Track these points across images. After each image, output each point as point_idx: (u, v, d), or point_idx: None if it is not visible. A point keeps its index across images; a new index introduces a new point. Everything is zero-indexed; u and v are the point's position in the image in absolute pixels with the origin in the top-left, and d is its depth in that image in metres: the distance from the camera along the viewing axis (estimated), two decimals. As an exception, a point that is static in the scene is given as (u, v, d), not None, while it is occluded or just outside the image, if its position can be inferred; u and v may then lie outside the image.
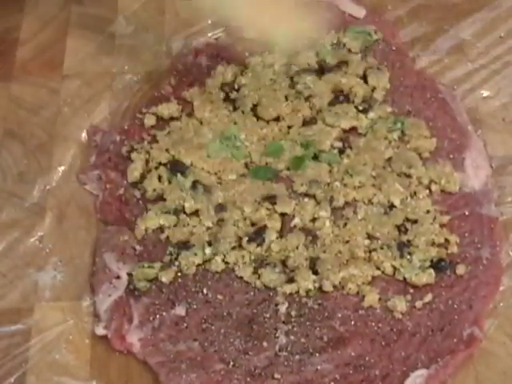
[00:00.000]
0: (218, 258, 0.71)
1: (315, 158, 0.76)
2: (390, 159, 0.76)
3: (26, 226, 0.75)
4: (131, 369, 0.67)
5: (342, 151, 0.77)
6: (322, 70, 0.82)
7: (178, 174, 0.75)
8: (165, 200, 0.74)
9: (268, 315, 0.69)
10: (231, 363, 0.67)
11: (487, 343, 0.66)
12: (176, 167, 0.75)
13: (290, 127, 0.78)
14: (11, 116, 0.82)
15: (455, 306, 0.68)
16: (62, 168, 0.78)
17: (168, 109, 0.80)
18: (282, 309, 0.69)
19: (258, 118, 0.79)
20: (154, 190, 0.75)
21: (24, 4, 0.92)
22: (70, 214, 0.76)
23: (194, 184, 0.74)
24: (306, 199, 0.73)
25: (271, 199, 0.73)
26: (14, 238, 0.74)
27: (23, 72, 0.86)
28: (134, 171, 0.76)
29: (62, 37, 0.88)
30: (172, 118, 0.80)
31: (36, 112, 0.82)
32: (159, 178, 0.76)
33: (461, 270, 0.69)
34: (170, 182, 0.75)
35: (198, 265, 0.71)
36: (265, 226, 0.72)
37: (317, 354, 0.67)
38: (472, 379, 0.64)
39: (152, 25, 0.88)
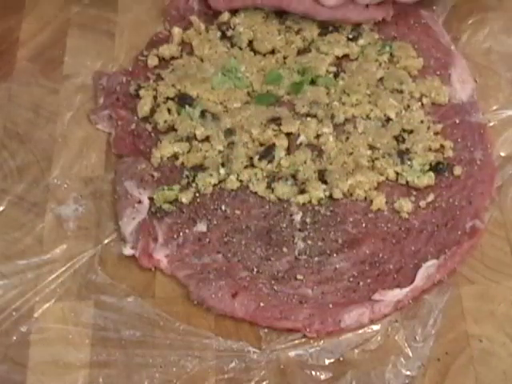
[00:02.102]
0: (233, 177, 0.75)
1: (312, 83, 0.82)
2: (381, 79, 0.81)
3: (26, 226, 0.76)
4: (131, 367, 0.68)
5: (336, 75, 0.82)
6: None
7: (187, 106, 0.80)
8: (176, 130, 0.79)
9: (284, 225, 0.74)
10: (255, 270, 0.71)
11: (487, 343, 0.67)
12: (184, 100, 0.80)
13: (285, 58, 0.84)
14: (11, 115, 0.83)
15: (456, 203, 0.74)
16: (61, 170, 0.80)
17: (169, 49, 0.84)
18: (297, 218, 0.74)
19: (255, 52, 0.84)
20: (165, 121, 0.79)
21: (24, 4, 0.92)
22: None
23: (203, 113, 0.79)
24: (309, 118, 0.79)
25: (276, 121, 0.78)
26: (14, 237, 0.75)
27: (23, 72, 0.86)
28: (144, 106, 0.80)
29: (62, 37, 0.89)
30: (173, 58, 0.84)
31: (36, 112, 0.83)
32: (168, 111, 0.80)
33: (458, 170, 0.76)
34: (179, 114, 0.80)
35: (214, 184, 0.76)
36: (273, 145, 0.77)
37: (334, 255, 0.72)
38: (472, 379, 0.66)
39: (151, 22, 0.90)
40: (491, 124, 0.80)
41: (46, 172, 0.79)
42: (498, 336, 0.68)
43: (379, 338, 0.69)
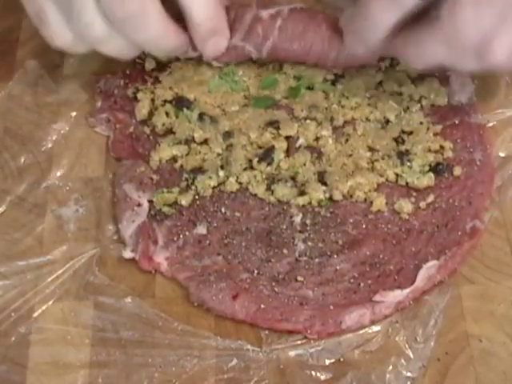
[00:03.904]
0: (232, 179, 0.77)
1: (310, 89, 0.83)
2: (381, 82, 0.83)
3: (27, 227, 0.77)
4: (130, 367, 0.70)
5: (334, 82, 0.83)
6: None
7: (184, 109, 0.81)
8: (174, 133, 0.81)
9: (284, 226, 0.75)
10: (255, 271, 0.73)
11: (487, 343, 0.69)
12: (181, 103, 0.82)
13: (281, 65, 0.85)
14: (11, 116, 0.84)
15: (456, 203, 0.76)
16: (62, 171, 0.81)
17: (166, 52, 0.86)
18: (297, 219, 0.76)
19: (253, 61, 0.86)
20: (163, 124, 0.81)
21: None
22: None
23: (201, 116, 0.81)
24: (308, 121, 0.80)
25: (274, 124, 0.80)
26: (14, 238, 0.77)
27: (23, 72, 0.87)
28: (142, 109, 0.82)
29: (62, 37, 0.91)
30: (170, 61, 0.86)
31: (36, 112, 0.85)
32: (166, 113, 0.82)
33: (457, 171, 0.77)
34: (177, 117, 0.81)
35: (214, 187, 0.77)
36: (272, 147, 0.78)
37: (335, 256, 0.73)
38: (472, 379, 0.67)
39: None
40: (490, 124, 0.81)
41: (46, 173, 0.80)
42: (497, 336, 0.69)
43: (380, 338, 0.70)
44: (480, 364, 0.68)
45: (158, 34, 0.73)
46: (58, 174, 0.80)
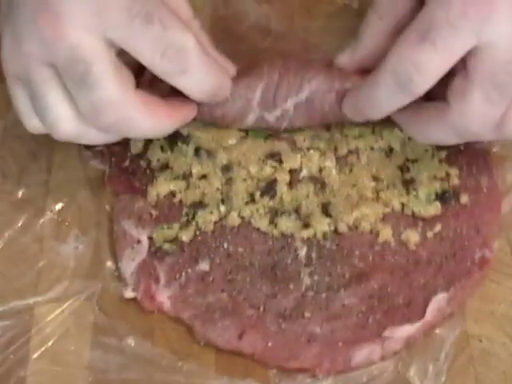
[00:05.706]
0: (234, 214, 0.77)
1: None
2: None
3: (27, 227, 0.77)
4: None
5: None
6: None
7: (179, 143, 0.81)
8: (171, 168, 0.80)
9: (289, 260, 0.75)
10: (261, 308, 0.72)
11: (487, 343, 0.69)
12: (174, 137, 0.80)
13: None
14: (11, 116, 0.84)
15: (463, 232, 0.76)
16: (60, 205, 0.81)
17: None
18: (302, 253, 0.75)
19: None
20: (158, 160, 0.80)
21: None
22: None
23: (197, 151, 0.80)
24: (312, 151, 0.80)
25: (275, 156, 0.80)
26: (14, 238, 0.77)
27: None
28: (137, 142, 0.81)
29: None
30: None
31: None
32: (161, 148, 0.81)
33: (464, 199, 0.77)
34: (172, 151, 0.81)
35: (215, 222, 0.77)
36: (275, 180, 0.78)
37: (342, 290, 0.73)
38: (472, 379, 0.67)
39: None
40: (494, 150, 0.82)
41: (46, 173, 0.81)
42: (497, 336, 0.70)
43: (389, 374, 0.70)
44: (480, 364, 0.69)
45: (148, 130, 0.71)
46: (57, 208, 0.80)
